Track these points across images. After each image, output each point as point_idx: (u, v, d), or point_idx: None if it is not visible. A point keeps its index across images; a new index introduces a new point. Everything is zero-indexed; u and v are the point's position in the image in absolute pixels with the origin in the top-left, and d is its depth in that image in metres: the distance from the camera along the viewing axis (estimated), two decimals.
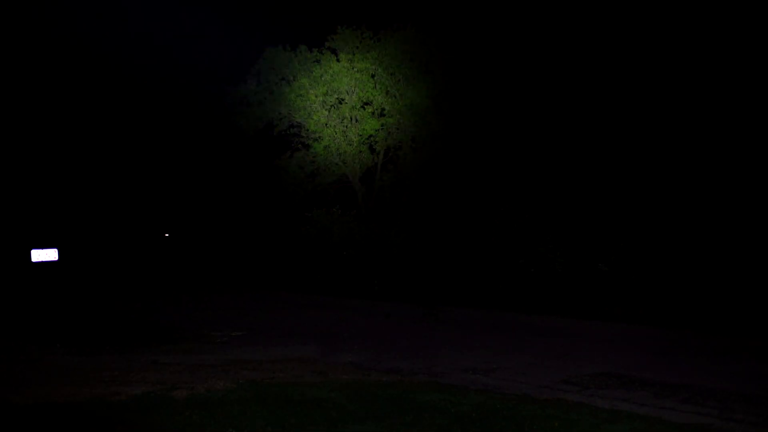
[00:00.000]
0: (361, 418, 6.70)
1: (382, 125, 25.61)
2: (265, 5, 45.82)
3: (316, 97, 25.55)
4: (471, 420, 6.67)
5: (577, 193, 22.16)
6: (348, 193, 27.12)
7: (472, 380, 8.56)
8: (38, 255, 27.51)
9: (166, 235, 37.00)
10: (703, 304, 13.86)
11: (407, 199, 26.66)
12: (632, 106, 21.92)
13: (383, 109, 25.61)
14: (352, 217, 23.56)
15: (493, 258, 18.19)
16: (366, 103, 25.82)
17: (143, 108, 33.33)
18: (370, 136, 25.92)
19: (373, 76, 25.31)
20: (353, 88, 25.55)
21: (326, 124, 25.69)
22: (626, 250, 16.57)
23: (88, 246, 31.57)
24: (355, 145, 25.86)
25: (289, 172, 26.61)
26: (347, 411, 6.97)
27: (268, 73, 26.35)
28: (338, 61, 25.50)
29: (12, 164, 30.51)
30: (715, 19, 20.03)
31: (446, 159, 25.90)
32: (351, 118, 25.95)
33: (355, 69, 25.07)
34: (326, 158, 26.08)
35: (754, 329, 12.35)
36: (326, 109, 25.77)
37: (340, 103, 25.98)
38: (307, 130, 26.19)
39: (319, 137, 25.84)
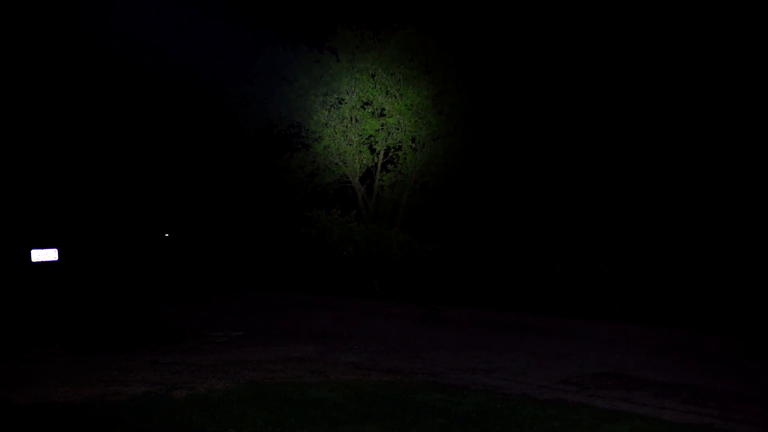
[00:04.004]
0: (361, 418, 6.70)
1: (382, 125, 25.62)
2: (265, 5, 45.84)
3: (316, 97, 25.56)
4: (471, 420, 6.67)
5: (577, 193, 22.19)
6: (348, 193, 27.14)
7: (472, 380, 8.55)
8: (38, 255, 27.51)
9: (166, 235, 37.02)
10: (703, 304, 13.86)
11: (407, 199, 26.67)
12: (633, 107, 21.94)
13: (383, 109, 25.62)
14: (352, 217, 23.55)
15: (493, 258, 18.17)
16: (366, 103, 25.84)
17: (143, 108, 33.35)
18: (370, 136, 25.93)
19: (373, 76, 25.31)
20: (353, 88, 25.56)
21: (326, 124, 25.72)
22: (626, 250, 16.57)
23: (88, 246, 31.57)
24: (355, 145, 25.86)
25: (289, 172, 26.65)
26: (347, 411, 6.96)
27: (268, 73, 26.36)
28: (338, 61, 25.52)
29: (12, 164, 30.52)
30: (715, 20, 20.04)
31: (446, 159, 25.91)
32: (351, 118, 25.97)
33: (355, 69, 25.09)
34: (326, 158, 26.11)
35: (754, 329, 12.36)
36: (326, 109, 25.79)
37: (340, 103, 25.99)
38: (307, 130, 26.23)
39: (319, 137, 25.86)
